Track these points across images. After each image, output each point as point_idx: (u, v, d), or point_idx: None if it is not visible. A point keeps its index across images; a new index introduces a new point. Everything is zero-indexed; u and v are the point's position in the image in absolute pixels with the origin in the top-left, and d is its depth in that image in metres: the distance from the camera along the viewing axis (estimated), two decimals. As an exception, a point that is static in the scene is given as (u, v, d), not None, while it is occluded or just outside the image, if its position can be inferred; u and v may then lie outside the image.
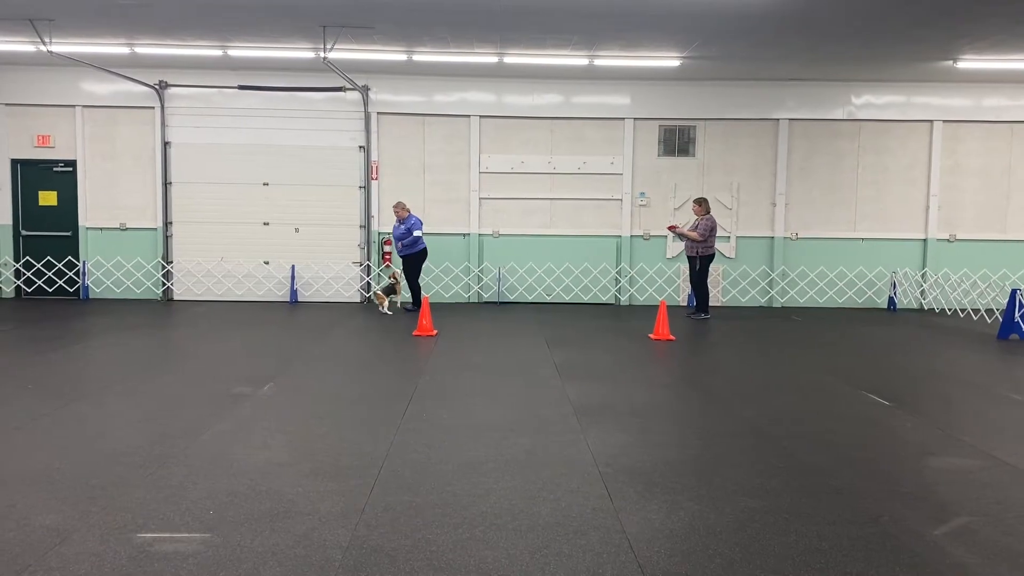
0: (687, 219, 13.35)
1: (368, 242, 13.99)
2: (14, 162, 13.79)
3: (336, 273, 14.03)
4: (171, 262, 13.90)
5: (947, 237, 14.27)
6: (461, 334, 10.34)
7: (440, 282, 14.10)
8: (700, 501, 4.20)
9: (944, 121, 14.04)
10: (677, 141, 14.14)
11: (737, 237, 14.24)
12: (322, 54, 11.32)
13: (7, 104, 13.64)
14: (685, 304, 14.16)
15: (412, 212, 12.70)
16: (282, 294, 14.03)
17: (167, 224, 13.85)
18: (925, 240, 14.25)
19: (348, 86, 13.36)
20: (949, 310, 13.71)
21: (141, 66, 13.12)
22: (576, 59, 12.20)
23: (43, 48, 11.20)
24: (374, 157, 13.88)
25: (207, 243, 13.89)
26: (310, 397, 6.57)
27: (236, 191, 13.85)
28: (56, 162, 13.81)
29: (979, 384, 7.54)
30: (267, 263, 14.00)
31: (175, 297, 13.96)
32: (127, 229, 13.90)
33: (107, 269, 13.90)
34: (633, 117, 13.97)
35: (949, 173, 14.19)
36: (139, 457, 4.81)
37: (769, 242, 14.27)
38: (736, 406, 6.44)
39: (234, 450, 4.98)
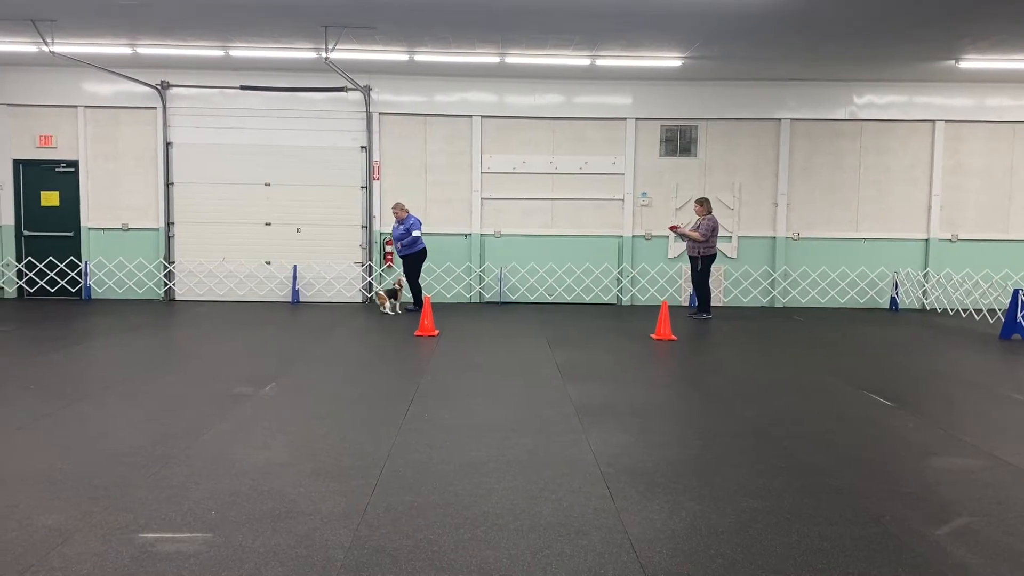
0: (689, 219, 13.35)
1: (370, 242, 14.00)
2: (16, 162, 13.81)
3: (338, 273, 14.04)
4: (173, 262, 13.91)
5: (949, 237, 14.26)
6: (463, 334, 10.34)
7: (442, 282, 14.10)
8: (702, 501, 4.20)
9: (946, 121, 14.02)
10: (679, 141, 14.14)
11: (739, 237, 14.23)
12: (324, 54, 11.33)
13: (9, 105, 13.66)
14: (687, 304, 14.15)
15: (413, 213, 12.71)
16: (284, 294, 14.04)
17: (169, 224, 13.86)
18: (927, 240, 14.24)
19: (350, 86, 13.37)
20: (951, 310, 13.69)
21: (143, 66, 13.13)
22: (577, 59, 12.20)
23: (45, 48, 11.22)
24: (376, 157, 13.89)
25: (209, 243, 13.91)
26: (312, 397, 6.58)
27: (238, 191, 13.87)
28: (58, 162, 13.83)
29: (981, 384, 7.53)
30: (269, 263, 14.01)
31: (177, 297, 13.98)
32: (129, 229, 13.91)
33: (109, 269, 13.91)
34: (635, 117, 13.97)
35: (951, 173, 14.17)
36: (141, 457, 4.81)
37: (771, 242, 14.26)
38: (738, 406, 6.43)
39: (236, 450, 4.99)
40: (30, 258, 13.92)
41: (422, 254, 12.73)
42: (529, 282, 14.17)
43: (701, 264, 12.17)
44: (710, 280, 12.47)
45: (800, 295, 14.28)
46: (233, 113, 13.74)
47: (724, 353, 9.36)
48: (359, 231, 14.02)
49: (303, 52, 11.92)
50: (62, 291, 13.98)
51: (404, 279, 12.69)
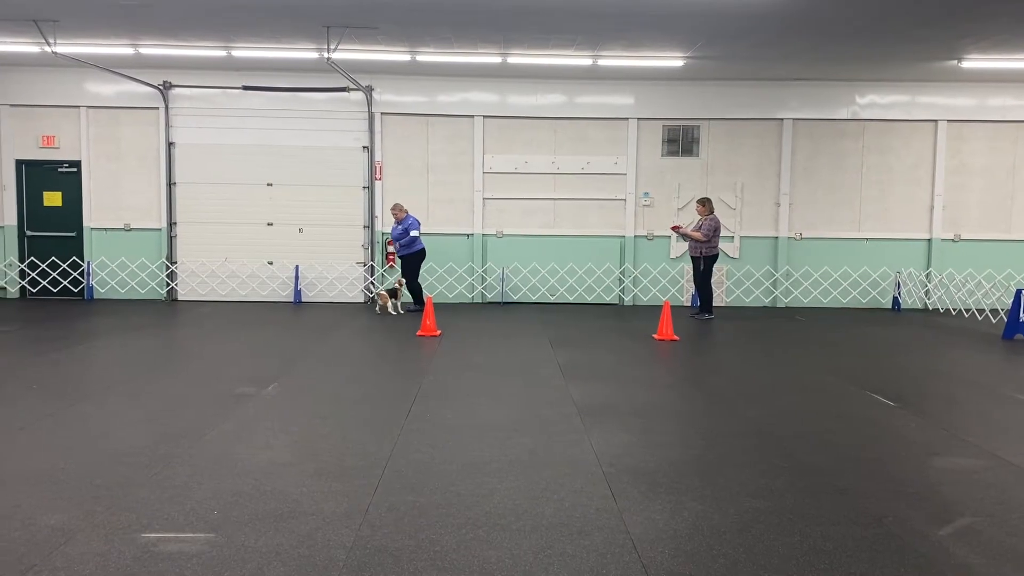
0: (691, 219, 13.34)
1: (372, 242, 14.00)
2: (19, 163, 13.83)
3: (340, 273, 14.05)
4: (175, 262, 13.93)
5: (952, 237, 14.24)
6: (465, 334, 10.34)
7: (444, 282, 14.11)
8: (704, 501, 4.19)
9: (949, 121, 14.01)
10: (681, 141, 14.13)
11: (741, 237, 14.23)
12: (326, 54, 11.33)
13: (12, 105, 13.68)
14: (689, 304, 14.14)
15: (416, 213, 12.73)
16: (286, 294, 14.05)
17: (171, 224, 13.87)
18: (929, 240, 14.22)
19: (352, 86, 13.37)
20: (953, 310, 13.67)
21: (145, 67, 13.15)
22: (579, 59, 12.19)
23: (47, 49, 11.23)
24: (378, 157, 13.89)
25: (211, 243, 13.92)
26: (314, 397, 6.58)
27: (240, 191, 13.88)
28: (61, 163, 13.85)
29: (983, 384, 7.52)
30: (271, 263, 14.02)
31: (179, 297, 13.99)
32: (131, 229, 13.93)
33: (111, 269, 13.93)
34: (637, 117, 13.96)
35: (954, 173, 14.16)
36: (143, 457, 4.82)
37: (773, 242, 14.25)
38: (740, 406, 6.43)
39: (238, 450, 4.99)
40: (33, 258, 13.94)
41: (421, 254, 12.73)
42: (531, 282, 14.17)
43: (703, 264, 12.16)
44: (712, 280, 12.46)
45: (802, 295, 14.27)
46: (235, 113, 13.75)
47: (726, 353, 9.35)
48: (361, 231, 14.03)
49: (305, 52, 11.93)
50: (64, 291, 13.99)
51: (403, 281, 12.69)
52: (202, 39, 11.45)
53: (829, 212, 14.24)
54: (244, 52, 12.06)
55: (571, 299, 14.16)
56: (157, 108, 13.69)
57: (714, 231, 12.05)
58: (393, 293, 12.53)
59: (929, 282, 14.15)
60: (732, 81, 13.80)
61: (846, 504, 4.18)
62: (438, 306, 12.72)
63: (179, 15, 10.15)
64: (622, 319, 12.30)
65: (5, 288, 13.97)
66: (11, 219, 13.92)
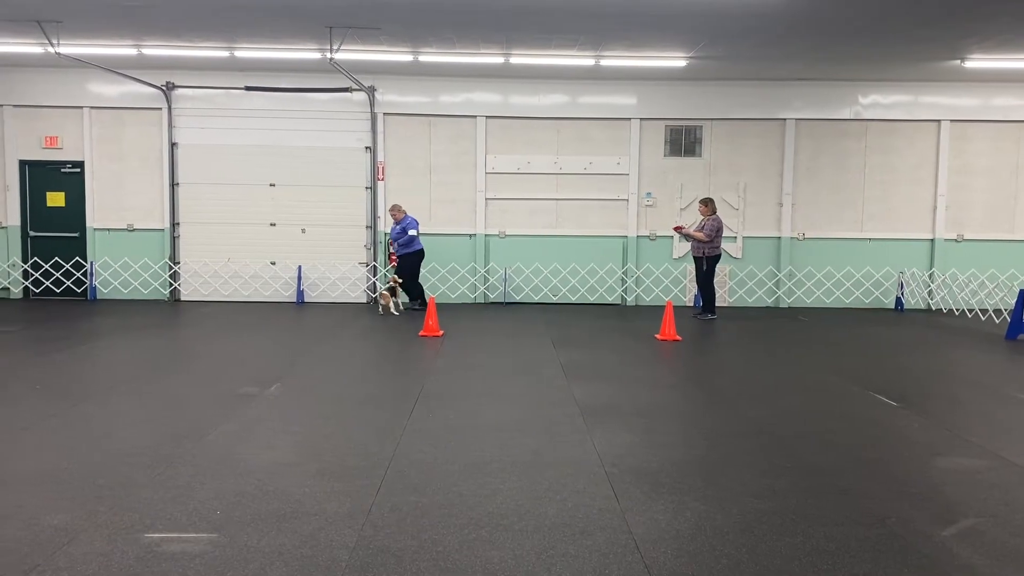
0: (693, 219, 13.33)
1: (374, 243, 14.01)
2: (22, 163, 13.86)
3: (342, 274, 14.06)
4: (178, 263, 13.95)
5: (955, 237, 14.22)
6: (467, 335, 10.34)
7: (446, 282, 14.11)
8: (706, 502, 4.19)
9: (952, 121, 13.99)
10: (683, 141, 14.12)
11: (744, 237, 14.21)
12: (328, 55, 11.34)
13: (15, 105, 13.71)
14: (692, 304, 14.13)
15: (419, 213, 12.74)
16: (288, 295, 14.06)
17: (174, 225, 13.89)
18: (933, 240, 14.20)
19: (354, 87, 13.38)
20: (957, 310, 13.65)
21: (148, 67, 13.17)
22: (582, 59, 12.19)
23: (51, 50, 11.25)
24: (380, 158, 13.90)
25: (214, 244, 13.93)
26: (316, 397, 6.59)
27: (243, 192, 13.89)
28: (64, 163, 13.87)
29: (987, 384, 7.51)
30: (274, 264, 14.03)
31: (182, 298, 14.01)
32: (134, 230, 13.95)
33: (114, 270, 13.95)
34: (639, 117, 13.96)
35: (957, 173, 14.13)
36: (146, 457, 4.82)
37: (776, 242, 14.24)
38: (742, 406, 6.42)
39: (241, 450, 5.00)
40: (36, 258, 13.97)
41: (420, 254, 12.74)
42: (533, 282, 14.17)
43: (706, 264, 12.16)
44: (715, 280, 12.46)
45: (805, 295, 14.25)
46: (238, 114, 13.77)
47: (729, 353, 9.35)
48: (363, 231, 14.04)
49: (308, 53, 11.94)
50: (68, 291, 14.02)
51: (397, 277, 12.66)
52: (205, 39, 11.46)
53: (832, 212, 14.23)
54: (247, 52, 12.07)
55: (573, 299, 14.16)
56: (160, 109, 13.71)
57: (716, 231, 12.04)
58: (392, 292, 12.54)
59: (932, 282, 14.13)
60: (735, 81, 13.79)
61: (849, 504, 4.18)
62: (440, 306, 12.72)
63: (182, 15, 10.16)
64: (624, 319, 12.30)
65: (8, 288, 14.00)
66: (14, 219, 13.94)
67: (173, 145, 13.78)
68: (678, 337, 10.08)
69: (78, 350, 8.78)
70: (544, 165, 14.03)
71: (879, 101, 13.98)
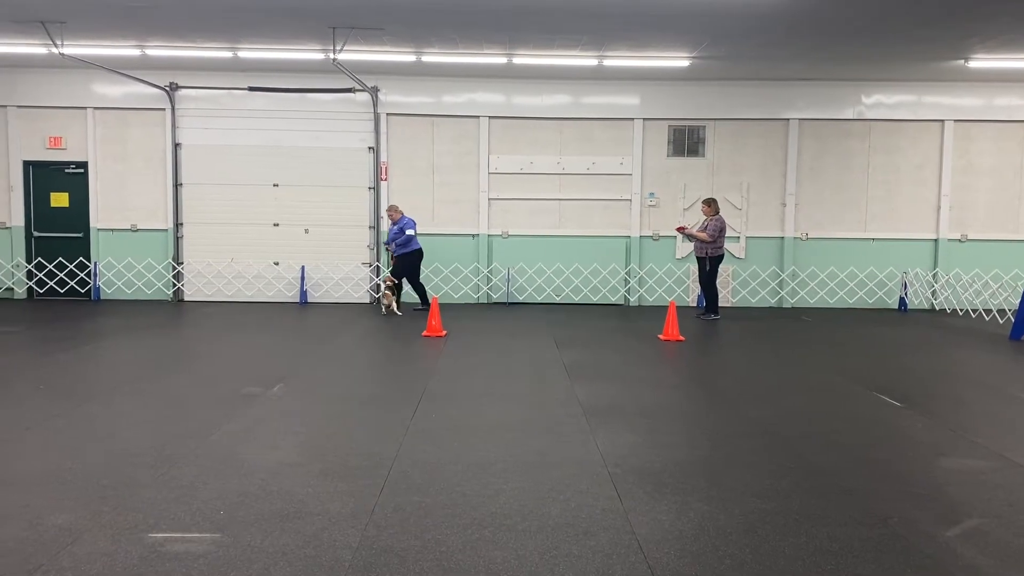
0: (696, 219, 13.32)
1: (377, 243, 14.02)
2: (26, 164, 13.89)
3: (346, 274, 14.07)
4: (182, 263, 13.97)
5: (958, 237, 14.19)
6: (470, 335, 10.34)
7: (449, 283, 14.12)
8: (710, 502, 4.19)
9: (955, 120, 13.96)
10: (686, 141, 14.11)
11: (747, 237, 14.20)
12: (331, 55, 11.35)
13: (19, 106, 13.74)
14: (695, 305, 14.13)
15: (420, 214, 12.74)
16: (292, 295, 14.08)
17: (178, 225, 13.92)
18: (936, 240, 14.18)
19: (357, 87, 13.40)
20: (960, 310, 13.63)
21: (151, 68, 13.19)
22: (585, 59, 12.19)
23: (55, 50, 11.27)
24: (383, 158, 13.91)
25: (217, 244, 13.96)
26: (320, 398, 6.59)
27: (246, 192, 13.91)
28: (68, 164, 13.90)
29: (990, 385, 7.49)
30: (277, 264, 14.05)
31: (185, 298, 14.03)
32: (138, 230, 13.97)
33: (118, 270, 13.98)
34: (642, 117, 13.95)
35: (961, 173, 14.11)
36: (150, 457, 4.83)
37: (779, 242, 14.22)
38: (746, 407, 6.42)
39: (244, 450, 5.00)
40: (40, 259, 14.00)
41: (418, 254, 12.75)
42: (536, 282, 14.17)
43: (709, 265, 12.15)
44: (718, 281, 12.45)
45: (808, 295, 14.23)
46: (241, 114, 13.79)
47: (732, 354, 9.34)
48: (367, 232, 14.05)
49: (311, 53, 11.96)
50: (71, 292, 14.05)
51: (392, 276, 12.65)
52: (208, 40, 11.48)
53: (835, 212, 14.21)
54: (250, 53, 12.09)
55: (576, 299, 14.16)
56: (163, 109, 13.74)
57: (719, 231, 12.03)
58: (393, 290, 12.54)
59: (936, 282, 14.11)
60: (737, 81, 13.78)
61: (852, 505, 4.17)
62: (443, 306, 12.72)
63: (185, 16, 10.18)
64: (628, 319, 12.29)
65: (12, 288, 14.03)
66: (18, 220, 13.97)
67: (177, 145, 13.80)
68: (681, 337, 10.07)
69: (82, 350, 8.80)
70: (547, 165, 14.03)
71: (882, 101, 13.96)
